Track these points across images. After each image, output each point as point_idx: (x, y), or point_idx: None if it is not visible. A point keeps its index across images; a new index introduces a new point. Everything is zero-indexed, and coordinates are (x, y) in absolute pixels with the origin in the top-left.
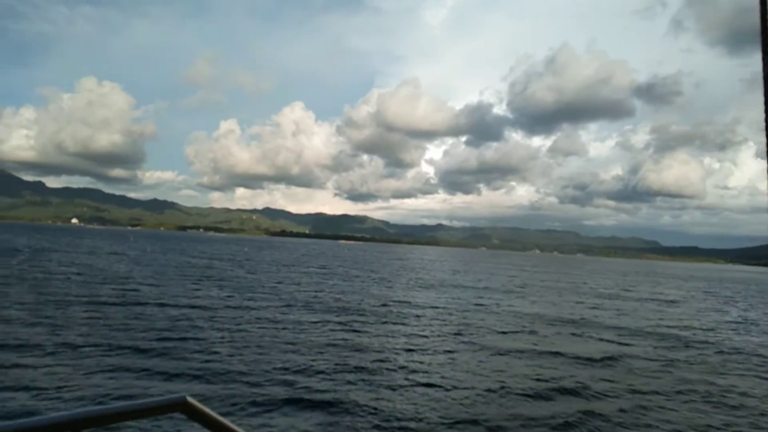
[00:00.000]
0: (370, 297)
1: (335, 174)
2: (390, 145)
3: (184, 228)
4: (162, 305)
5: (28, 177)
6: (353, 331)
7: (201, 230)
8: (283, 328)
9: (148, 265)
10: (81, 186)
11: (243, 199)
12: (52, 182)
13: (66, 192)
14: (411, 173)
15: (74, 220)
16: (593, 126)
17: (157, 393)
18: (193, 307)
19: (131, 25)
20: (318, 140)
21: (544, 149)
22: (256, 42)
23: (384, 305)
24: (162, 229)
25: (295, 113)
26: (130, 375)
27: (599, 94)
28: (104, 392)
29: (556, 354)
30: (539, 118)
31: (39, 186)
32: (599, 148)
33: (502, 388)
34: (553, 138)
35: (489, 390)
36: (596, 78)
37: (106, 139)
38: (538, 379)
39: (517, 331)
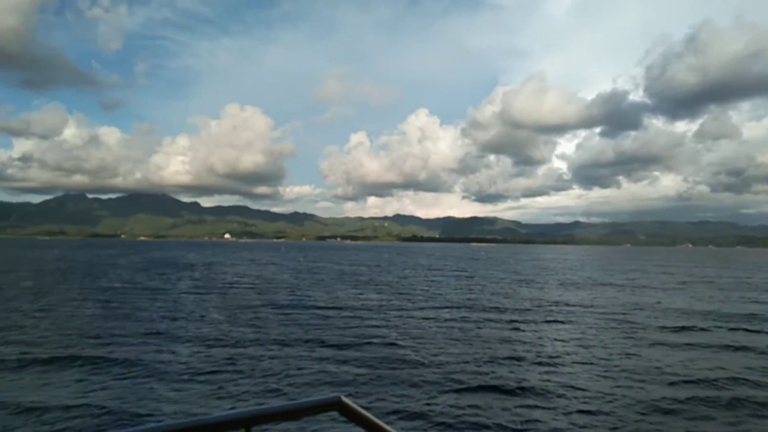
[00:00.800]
0: (522, 298)
1: (462, 177)
2: (517, 143)
3: (322, 238)
4: (336, 308)
5: (185, 198)
6: (517, 330)
7: (338, 239)
8: (451, 327)
9: (308, 273)
10: (230, 204)
11: (374, 207)
12: (205, 202)
13: (218, 210)
14: (542, 170)
15: (227, 236)
16: (746, 105)
17: (340, 385)
18: (359, 308)
19: (265, 52)
20: (443, 144)
21: (690, 134)
22: (381, 55)
23: (539, 305)
24: (304, 239)
25: (419, 120)
26: (316, 368)
27: (751, 69)
28: (298, 382)
29: (740, 349)
30: (681, 102)
31: (195, 206)
32: (755, 129)
33: (690, 382)
34: (699, 122)
35: (681, 383)
36: (746, 52)
37: (250, 160)
38: (729, 377)
39: (688, 328)
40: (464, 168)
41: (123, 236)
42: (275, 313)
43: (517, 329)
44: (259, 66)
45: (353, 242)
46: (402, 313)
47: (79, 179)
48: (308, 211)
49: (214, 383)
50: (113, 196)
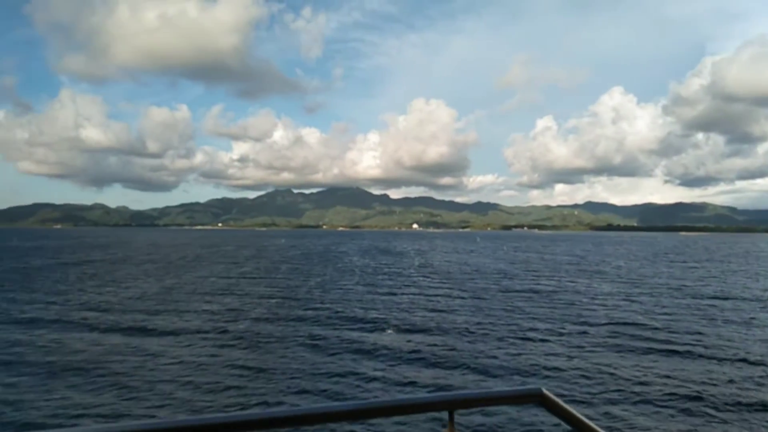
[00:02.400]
0: None
1: (664, 159)
2: (731, 118)
3: (508, 227)
4: (575, 295)
5: (376, 191)
6: None
7: (524, 228)
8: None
9: (521, 262)
10: (417, 195)
11: (562, 194)
12: (394, 194)
13: (405, 201)
14: (762, 148)
15: (415, 226)
16: None
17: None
18: (595, 296)
19: (449, 43)
20: (641, 124)
21: None
22: (568, 35)
23: None
24: (489, 229)
25: (613, 99)
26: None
27: None
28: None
29: None
30: None
31: (385, 198)
32: None
33: None
34: None
35: None
36: None
37: (435, 152)
38: None
39: None
40: (666, 149)
41: (324, 227)
42: (520, 298)
43: None
44: (443, 58)
45: (541, 232)
46: (669, 302)
47: (286, 176)
48: (492, 201)
49: (418, 366)
50: (314, 190)
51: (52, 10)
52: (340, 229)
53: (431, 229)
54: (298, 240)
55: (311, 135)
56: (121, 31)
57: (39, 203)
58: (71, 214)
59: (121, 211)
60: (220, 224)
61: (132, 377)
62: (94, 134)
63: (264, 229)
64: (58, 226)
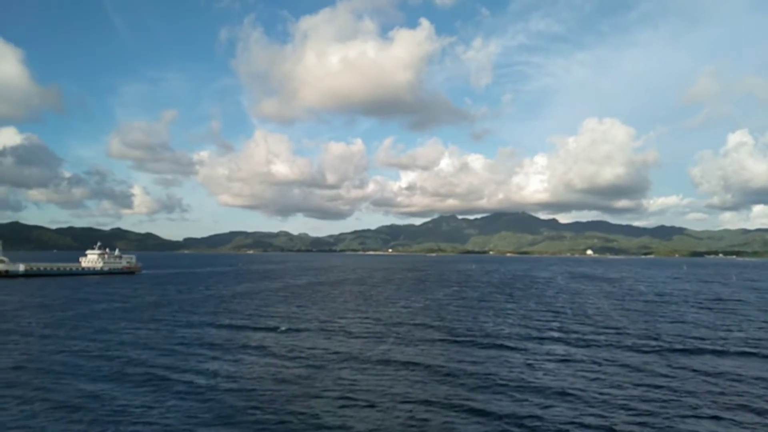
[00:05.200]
0: None
1: None
2: None
3: (698, 254)
4: None
5: (544, 216)
6: None
7: (719, 255)
8: None
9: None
10: (589, 219)
11: (762, 217)
12: (563, 218)
13: (576, 226)
14: None
15: (589, 252)
16: None
17: None
18: None
19: (622, 59)
20: None
21: None
22: (765, 38)
23: None
24: (676, 256)
25: None
26: None
27: None
28: None
29: None
30: None
31: (553, 223)
32: None
33: None
34: None
35: None
36: None
37: (609, 173)
38: None
39: None
40: None
41: (491, 252)
42: None
43: None
44: (616, 75)
45: (741, 259)
46: None
47: (451, 202)
48: (676, 224)
49: None
50: (479, 216)
51: (253, 62)
52: (508, 254)
53: (608, 255)
54: (483, 265)
55: (476, 161)
56: (308, 76)
57: (234, 231)
58: (261, 240)
59: (303, 237)
60: (390, 250)
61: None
62: (281, 169)
63: (434, 254)
64: (251, 252)
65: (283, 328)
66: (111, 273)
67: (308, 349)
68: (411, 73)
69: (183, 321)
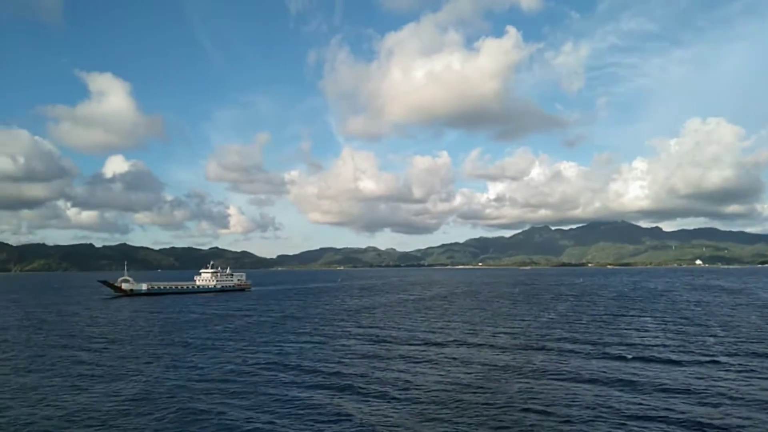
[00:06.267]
0: None
1: None
2: None
3: None
4: None
5: (645, 224)
6: None
7: None
8: None
9: None
10: (695, 227)
11: None
12: (667, 226)
13: (681, 234)
14: None
15: (698, 262)
16: None
17: None
18: None
19: (725, 54)
20: None
21: None
22: None
23: None
24: None
25: None
26: None
27: None
28: None
29: None
30: None
31: (656, 231)
32: None
33: None
34: None
35: None
36: None
37: (716, 176)
38: None
39: None
40: None
41: (589, 264)
42: None
43: None
44: (718, 71)
45: None
46: None
47: (543, 213)
48: None
49: None
50: (574, 226)
51: (340, 83)
52: (609, 266)
53: (719, 265)
54: (590, 278)
55: (570, 169)
56: (394, 92)
57: (324, 248)
58: (350, 256)
59: (390, 252)
60: (480, 263)
61: None
62: (368, 185)
63: (527, 268)
64: (341, 268)
65: (436, 340)
66: (224, 290)
67: (470, 361)
68: (498, 83)
69: (330, 333)
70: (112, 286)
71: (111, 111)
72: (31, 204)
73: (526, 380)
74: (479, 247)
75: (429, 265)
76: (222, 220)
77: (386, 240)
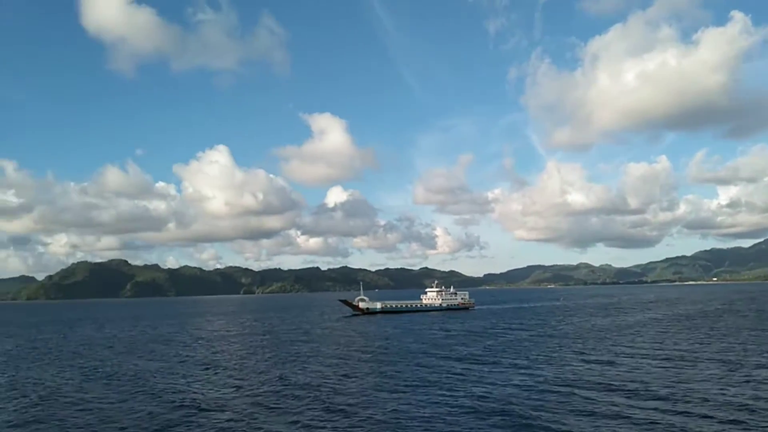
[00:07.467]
0: None
1: None
2: None
3: None
4: None
5: None
6: None
7: None
8: None
9: None
10: None
11: None
12: None
13: None
14: None
15: None
16: None
17: None
18: None
19: None
20: None
21: None
22: None
23: None
24: None
25: None
26: None
27: None
28: None
29: None
30: None
31: None
32: None
33: None
34: None
35: None
36: None
37: None
38: None
39: None
40: None
41: None
42: None
43: None
44: None
45: None
46: None
47: None
48: None
49: None
50: None
51: (542, 95)
52: None
53: None
54: None
55: None
56: (602, 98)
57: (532, 266)
58: (560, 273)
59: (605, 269)
60: (714, 278)
61: None
62: (577, 198)
63: None
64: (551, 286)
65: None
66: (449, 309)
67: None
68: (723, 75)
69: (613, 350)
70: (350, 305)
71: (331, 147)
72: (269, 234)
73: None
74: (711, 260)
75: (652, 282)
76: (430, 241)
77: (599, 255)
